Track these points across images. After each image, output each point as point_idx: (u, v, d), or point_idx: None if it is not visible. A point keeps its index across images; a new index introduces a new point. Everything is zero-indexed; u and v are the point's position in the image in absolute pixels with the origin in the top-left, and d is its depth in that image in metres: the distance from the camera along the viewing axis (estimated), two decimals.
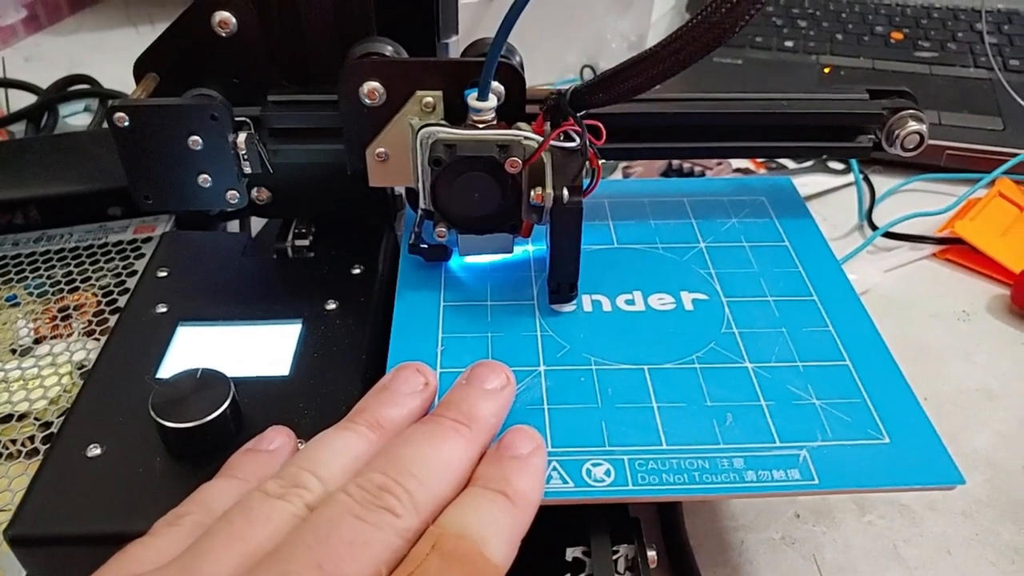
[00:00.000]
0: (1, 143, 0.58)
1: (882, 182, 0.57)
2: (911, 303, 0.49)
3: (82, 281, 0.44)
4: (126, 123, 0.34)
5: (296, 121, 0.36)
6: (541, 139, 0.31)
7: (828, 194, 0.56)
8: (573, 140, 0.32)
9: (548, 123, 0.32)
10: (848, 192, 0.56)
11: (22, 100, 0.66)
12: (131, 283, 0.43)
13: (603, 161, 0.33)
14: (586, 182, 0.32)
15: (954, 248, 0.51)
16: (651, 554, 0.29)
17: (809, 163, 0.58)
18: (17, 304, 0.43)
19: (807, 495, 0.28)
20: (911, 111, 0.37)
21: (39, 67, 0.71)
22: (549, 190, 0.31)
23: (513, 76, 0.33)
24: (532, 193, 0.31)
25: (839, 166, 0.58)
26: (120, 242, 0.47)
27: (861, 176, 0.55)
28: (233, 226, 0.50)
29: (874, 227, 0.53)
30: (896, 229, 0.52)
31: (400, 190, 0.43)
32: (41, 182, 0.49)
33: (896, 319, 0.48)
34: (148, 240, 0.47)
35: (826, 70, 0.63)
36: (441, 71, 0.33)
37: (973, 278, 0.50)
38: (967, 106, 0.59)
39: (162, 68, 0.37)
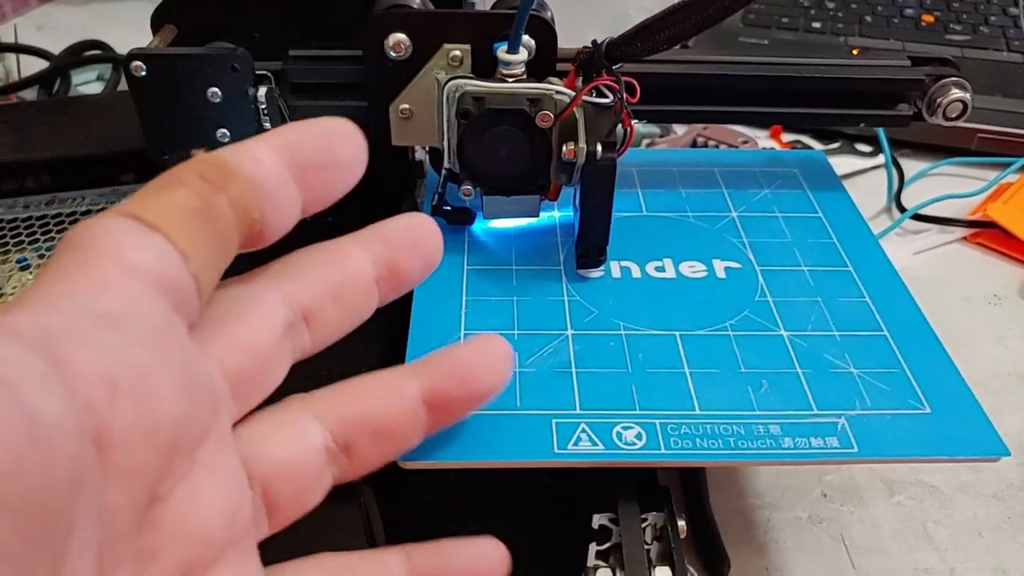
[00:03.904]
0: (12, 105, 0.57)
1: (911, 165, 0.55)
2: (941, 286, 0.48)
3: None
4: (143, 72, 0.33)
5: (318, 76, 0.35)
6: (573, 94, 0.30)
7: (855, 176, 0.55)
8: (606, 97, 0.30)
9: (580, 78, 0.31)
10: (876, 175, 0.55)
11: (34, 67, 0.65)
12: None
13: (635, 122, 0.32)
14: None
15: (985, 232, 0.50)
16: (681, 523, 0.28)
17: (836, 144, 0.57)
18: (28, 267, 0.42)
19: (846, 464, 0.27)
20: (954, 78, 0.35)
21: (52, 36, 0.70)
22: (582, 145, 0.30)
23: (545, 30, 0.31)
24: (564, 148, 0.30)
25: (867, 148, 0.56)
26: None
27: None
28: None
29: (903, 209, 0.51)
30: (926, 212, 0.51)
31: (421, 156, 0.42)
32: (52, 145, 0.48)
33: (926, 302, 0.46)
34: None
35: (855, 52, 0.62)
36: (470, 23, 0.32)
37: (1005, 262, 0.49)
38: (1000, 89, 0.57)
39: (180, 20, 0.36)
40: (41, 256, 0.43)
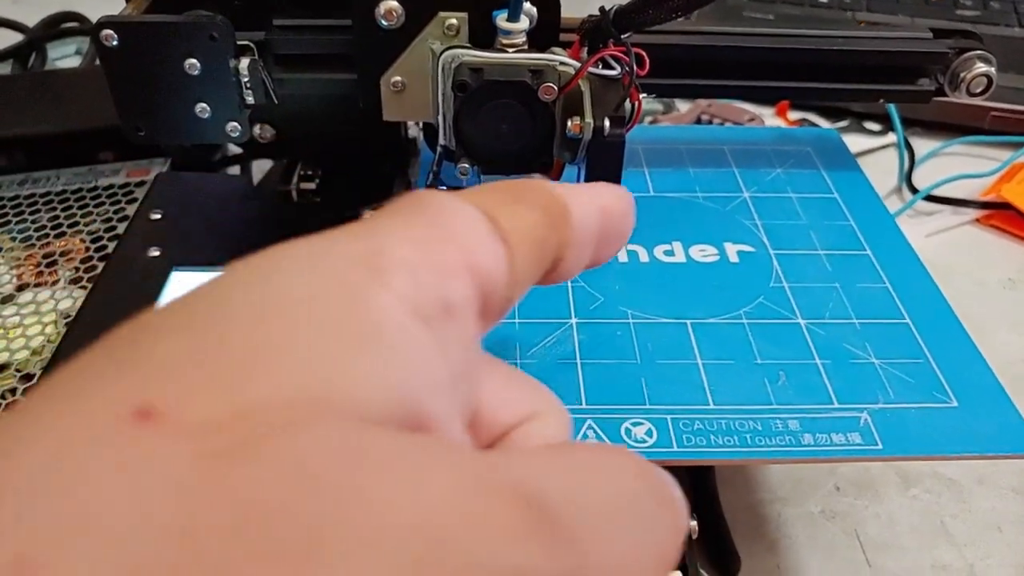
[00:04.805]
0: None
1: (922, 144, 0.54)
2: (954, 270, 0.46)
3: (69, 226, 0.41)
4: (114, 42, 0.30)
5: (304, 47, 0.33)
6: (578, 64, 0.28)
7: (864, 155, 0.53)
8: (613, 68, 0.28)
9: (585, 48, 0.29)
10: (886, 154, 0.53)
11: (8, 40, 0.62)
12: (122, 229, 0.40)
13: (644, 96, 0.30)
14: None
15: (999, 213, 0.48)
16: (692, 524, 0.26)
17: (844, 122, 0.55)
18: None
19: (870, 461, 0.26)
20: (978, 52, 0.34)
21: (28, 9, 0.67)
22: (588, 119, 0.28)
23: None
24: (568, 124, 0.28)
25: (876, 127, 0.55)
26: (111, 186, 0.44)
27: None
28: (234, 172, 0.47)
29: (914, 190, 0.50)
30: (938, 192, 0.49)
31: (414, 133, 0.40)
32: (27, 121, 0.46)
33: (939, 286, 0.45)
34: (141, 184, 0.43)
35: (861, 25, 0.59)
36: None
37: (1019, 244, 0.48)
38: (1013, 67, 0.55)
39: None
40: (13, 238, 0.41)
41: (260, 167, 0.45)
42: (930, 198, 0.49)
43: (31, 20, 0.64)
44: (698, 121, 0.51)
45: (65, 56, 0.63)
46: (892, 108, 0.50)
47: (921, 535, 0.34)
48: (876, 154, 0.53)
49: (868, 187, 0.36)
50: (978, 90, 0.34)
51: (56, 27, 0.63)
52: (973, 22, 0.60)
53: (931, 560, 0.33)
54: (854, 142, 0.53)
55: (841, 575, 0.32)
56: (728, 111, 0.51)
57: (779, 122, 0.53)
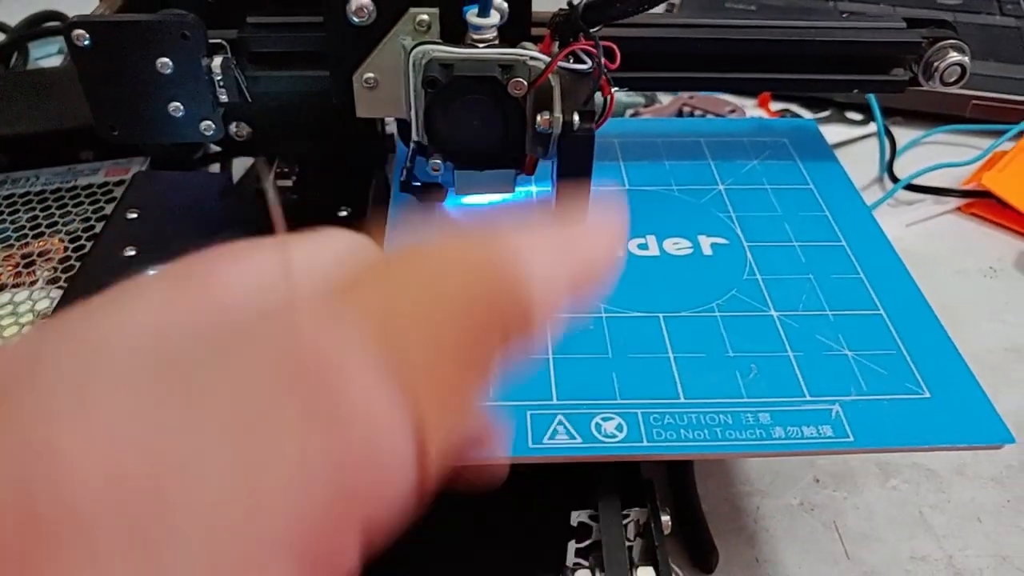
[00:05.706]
0: None
1: (903, 133, 0.54)
2: (935, 259, 0.46)
3: (48, 227, 0.41)
4: (86, 42, 0.30)
5: (278, 44, 0.32)
6: (548, 59, 0.28)
7: (846, 145, 0.53)
8: (584, 62, 0.28)
9: (556, 43, 0.29)
10: (866, 144, 0.53)
11: None
12: (101, 228, 0.40)
13: (616, 90, 0.30)
14: None
15: (980, 202, 0.48)
16: (665, 519, 0.26)
17: (826, 112, 0.55)
18: None
19: (841, 454, 0.26)
20: (951, 41, 0.34)
21: (10, 8, 0.67)
22: (557, 114, 0.28)
23: None
24: (538, 118, 0.28)
25: (857, 116, 0.55)
26: (90, 185, 0.44)
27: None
28: (214, 170, 0.47)
29: (895, 180, 0.50)
30: (919, 181, 0.49)
31: (391, 130, 0.40)
32: (6, 121, 0.46)
33: (919, 276, 0.44)
34: (120, 183, 0.43)
35: (845, 16, 0.59)
36: None
37: (1000, 233, 0.48)
38: (993, 55, 0.55)
39: None
40: None
41: (244, 164, 0.45)
42: (911, 187, 0.49)
43: (13, 19, 0.64)
44: (679, 114, 0.51)
45: (47, 55, 0.62)
46: (872, 98, 0.50)
47: (900, 526, 0.34)
48: (858, 144, 0.53)
49: (844, 177, 0.36)
50: (952, 79, 0.34)
51: (38, 26, 0.63)
52: (954, 10, 0.60)
53: (910, 551, 0.33)
54: (836, 132, 0.53)
55: (820, 567, 0.32)
56: (709, 103, 0.51)
57: (761, 113, 0.53)
